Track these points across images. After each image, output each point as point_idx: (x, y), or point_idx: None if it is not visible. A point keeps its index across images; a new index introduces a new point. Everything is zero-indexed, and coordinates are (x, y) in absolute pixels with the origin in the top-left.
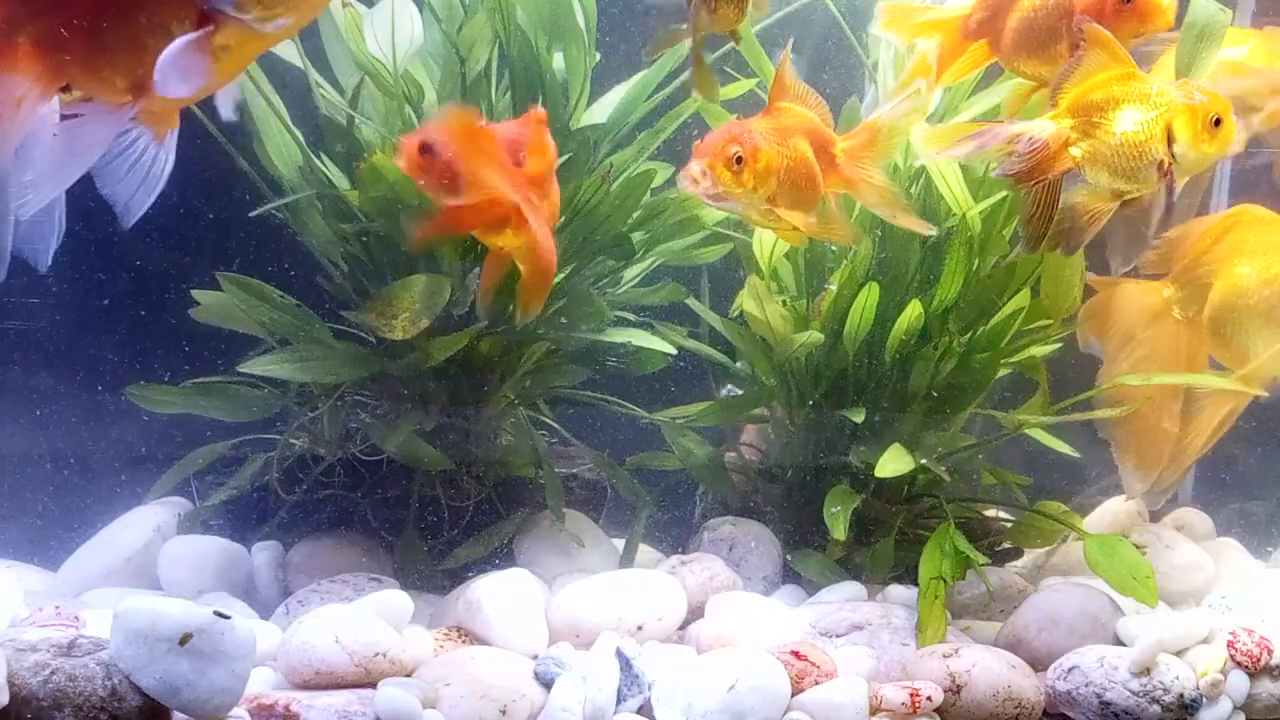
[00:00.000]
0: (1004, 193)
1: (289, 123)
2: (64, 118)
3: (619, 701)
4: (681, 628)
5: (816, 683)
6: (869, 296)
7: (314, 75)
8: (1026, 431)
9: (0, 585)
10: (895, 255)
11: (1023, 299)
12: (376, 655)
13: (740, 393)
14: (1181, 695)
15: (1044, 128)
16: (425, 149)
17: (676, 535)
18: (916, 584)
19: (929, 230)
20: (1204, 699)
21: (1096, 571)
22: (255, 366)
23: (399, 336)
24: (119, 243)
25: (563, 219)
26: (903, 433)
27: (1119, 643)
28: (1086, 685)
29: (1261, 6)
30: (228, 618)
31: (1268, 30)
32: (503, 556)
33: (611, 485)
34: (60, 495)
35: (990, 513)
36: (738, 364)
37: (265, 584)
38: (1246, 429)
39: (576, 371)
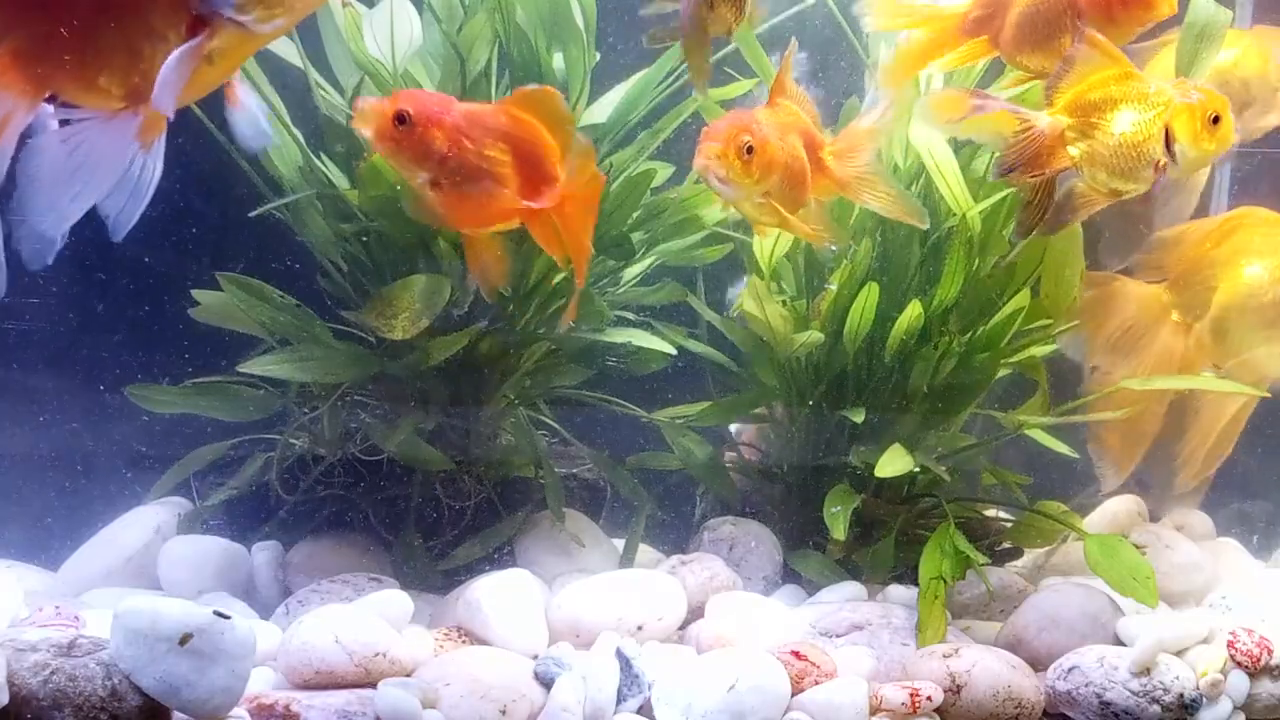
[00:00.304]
0: (1004, 193)
1: (289, 123)
2: (61, 123)
3: (619, 701)
4: (681, 628)
5: (816, 683)
6: (869, 296)
7: (314, 75)
8: (1026, 432)
9: (0, 585)
10: (895, 255)
11: (1023, 299)
12: (376, 655)
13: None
14: (1181, 695)
15: (1042, 117)
16: (400, 118)
17: (676, 535)
18: (916, 584)
19: (925, 223)
20: (1204, 699)
21: (1096, 571)
22: (255, 366)
23: (399, 336)
24: (119, 243)
25: None
26: (903, 433)
27: (1119, 643)
28: (1086, 685)
29: (1261, 6)
30: (228, 618)
31: (1258, 30)
32: (503, 556)
33: (611, 485)
34: (60, 495)
35: (990, 513)
36: (738, 365)
37: (265, 584)
38: (1246, 429)
39: (576, 371)
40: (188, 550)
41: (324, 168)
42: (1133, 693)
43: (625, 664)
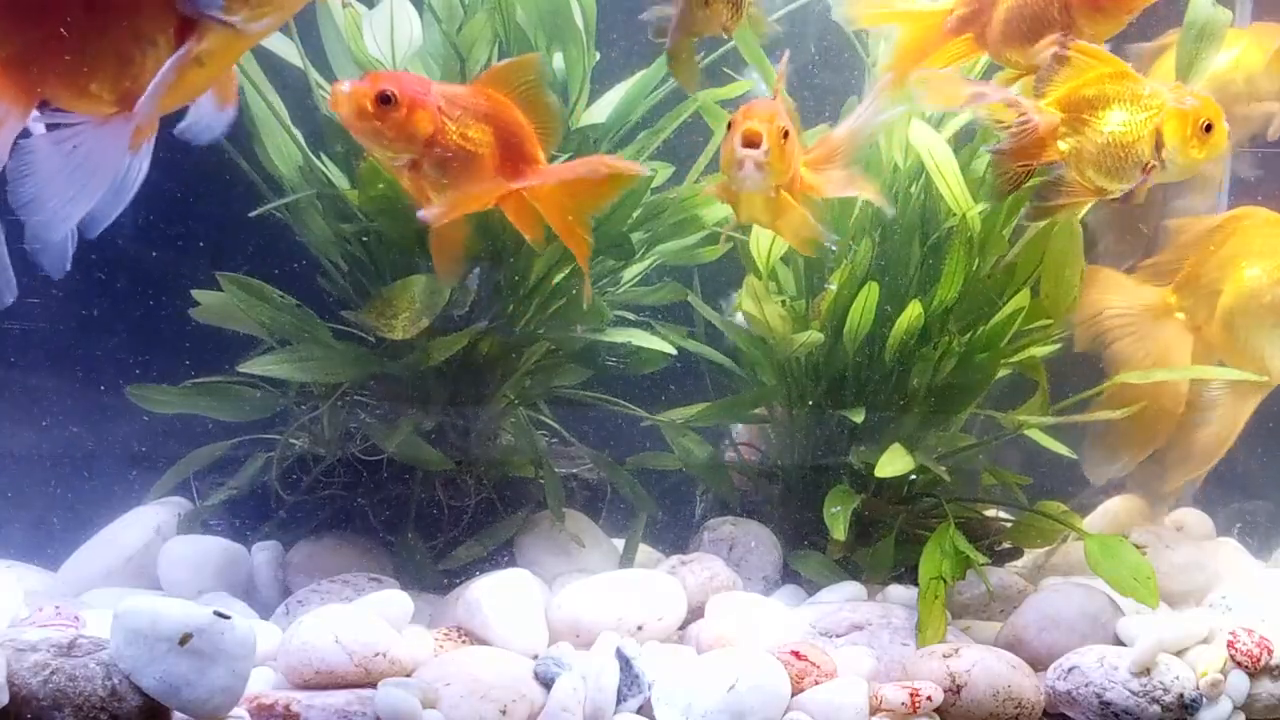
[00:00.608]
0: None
1: (289, 123)
2: (49, 127)
3: (619, 701)
4: (681, 628)
5: (816, 683)
6: (869, 296)
7: (314, 75)
8: (1026, 432)
9: (0, 585)
10: (895, 255)
11: (1023, 299)
12: (376, 655)
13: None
14: (1181, 695)
15: (1040, 109)
16: (384, 98)
17: (676, 535)
18: (916, 584)
19: (890, 208)
20: (1204, 699)
21: (1097, 571)
22: (255, 366)
23: (399, 336)
24: (119, 243)
25: None
26: (903, 433)
27: (1119, 643)
28: (1086, 685)
29: (1261, 6)
30: (228, 618)
31: (1256, 27)
32: (503, 556)
33: (611, 485)
34: (60, 495)
35: (990, 513)
36: (738, 365)
37: (265, 584)
38: (1247, 429)
39: (576, 371)
40: (188, 550)
41: (324, 168)
42: (1133, 693)
43: (625, 664)
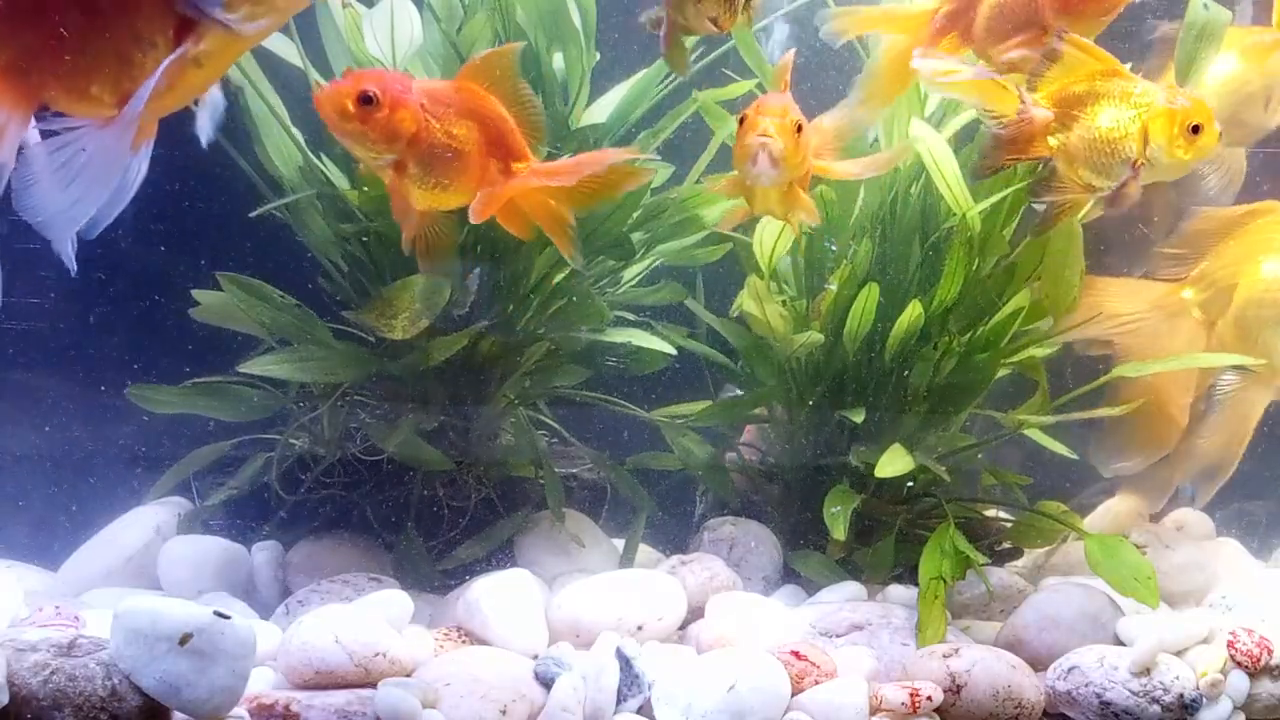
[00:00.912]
0: (1004, 193)
1: (289, 123)
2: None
3: (619, 701)
4: (681, 628)
5: (816, 683)
6: (869, 296)
7: (314, 75)
8: (1026, 432)
9: (0, 585)
10: (895, 255)
11: (1023, 299)
12: (376, 655)
13: (740, 393)
14: (1181, 695)
15: (1037, 104)
16: (365, 98)
17: (676, 535)
18: (916, 584)
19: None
20: (1204, 699)
21: (1097, 571)
22: (255, 366)
23: (399, 336)
24: (119, 243)
25: None
26: (903, 433)
27: (1119, 643)
28: (1086, 685)
29: (1261, 6)
30: (228, 617)
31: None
32: (503, 556)
33: (611, 485)
34: (60, 495)
35: (990, 513)
36: (738, 364)
37: (265, 584)
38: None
39: (576, 371)
40: (188, 550)
41: (324, 168)
42: (1133, 693)
43: (625, 664)
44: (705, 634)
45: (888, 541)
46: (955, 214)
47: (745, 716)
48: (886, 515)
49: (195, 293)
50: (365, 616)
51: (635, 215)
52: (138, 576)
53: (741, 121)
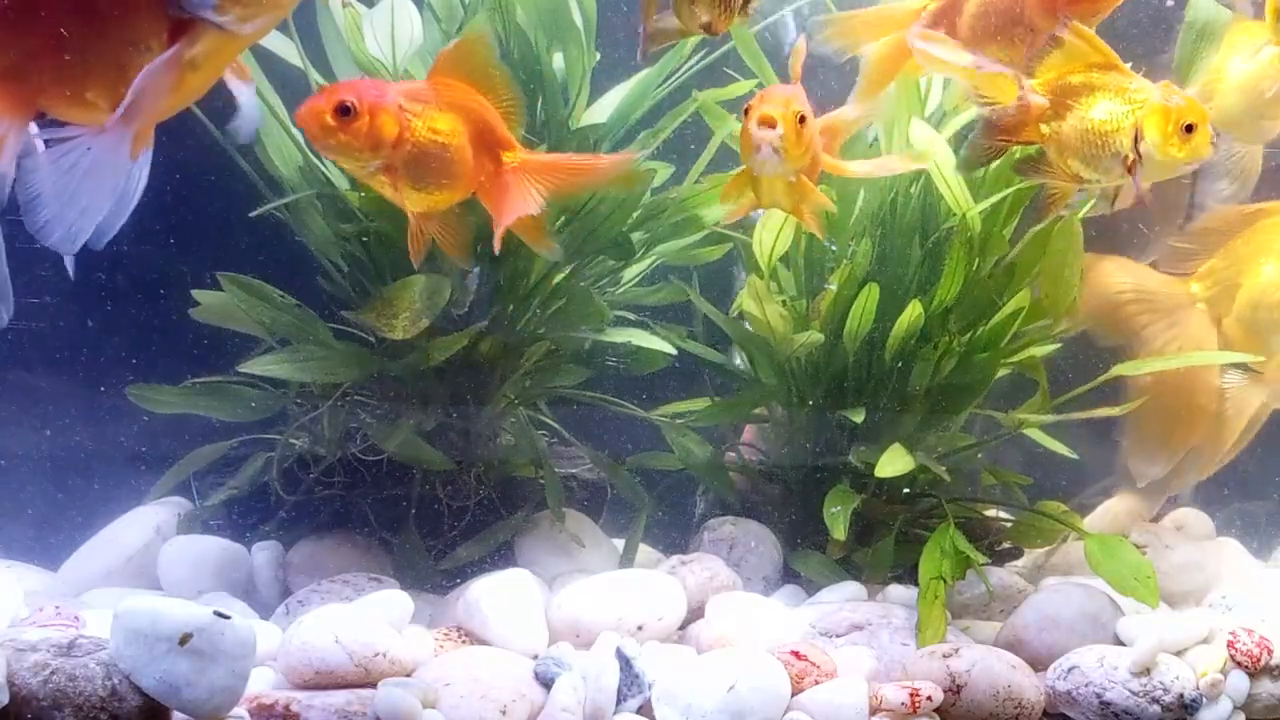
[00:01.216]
0: (1004, 193)
1: (289, 123)
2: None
3: (619, 701)
4: (681, 628)
5: (816, 683)
6: (869, 296)
7: (314, 75)
8: (1026, 432)
9: (0, 585)
10: (895, 255)
11: (1023, 299)
12: (376, 655)
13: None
14: (1181, 695)
15: (1035, 93)
16: (343, 110)
17: (676, 535)
18: (916, 584)
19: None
20: (1204, 699)
21: (1097, 571)
22: (255, 366)
23: (399, 336)
24: (119, 243)
25: (563, 219)
26: (903, 433)
27: (1119, 643)
28: (1086, 685)
29: (1260, 6)
30: (228, 617)
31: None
32: (503, 556)
33: (611, 485)
34: (60, 495)
35: (990, 513)
36: (738, 363)
37: (265, 584)
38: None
39: (576, 371)
40: (188, 550)
41: (324, 168)
42: (1133, 693)
43: (625, 664)
44: (705, 634)
45: (888, 541)
46: (955, 214)
47: (745, 716)
48: (886, 515)
49: (195, 293)
50: (365, 616)
51: (635, 215)
52: (138, 576)
53: (746, 113)
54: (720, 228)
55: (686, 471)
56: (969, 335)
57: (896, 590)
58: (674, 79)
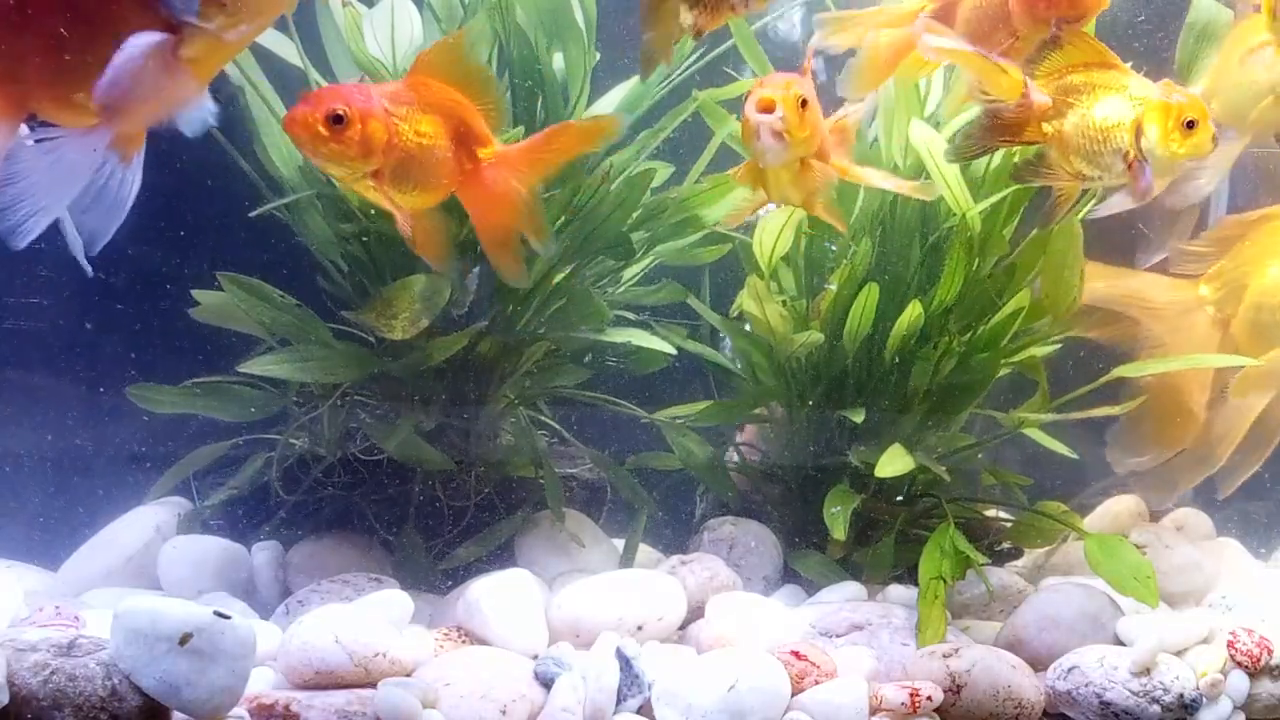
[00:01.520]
0: (1004, 193)
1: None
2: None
3: (619, 701)
4: (681, 628)
5: (816, 683)
6: (869, 296)
7: (314, 75)
8: (1026, 431)
9: (0, 585)
10: (895, 255)
11: (1023, 299)
12: (376, 655)
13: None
14: (1181, 695)
15: (1039, 91)
16: (335, 118)
17: (676, 535)
18: (916, 584)
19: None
20: (1204, 699)
21: (1097, 571)
22: (255, 366)
23: (399, 336)
24: (119, 243)
25: (563, 219)
26: (903, 433)
27: (1119, 643)
28: (1086, 685)
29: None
30: (228, 617)
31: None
32: (503, 556)
33: (611, 485)
34: (60, 495)
35: (990, 513)
36: (737, 364)
37: (265, 584)
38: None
39: (576, 371)
40: (188, 550)
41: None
42: (1133, 693)
43: (625, 664)
44: (705, 634)
45: (888, 541)
46: (955, 214)
47: (745, 716)
48: (886, 515)
49: (195, 293)
50: (365, 616)
51: (635, 215)
52: (138, 576)
53: (747, 98)
54: (721, 228)
55: (686, 471)
56: (969, 335)
57: (896, 590)
58: (674, 79)
